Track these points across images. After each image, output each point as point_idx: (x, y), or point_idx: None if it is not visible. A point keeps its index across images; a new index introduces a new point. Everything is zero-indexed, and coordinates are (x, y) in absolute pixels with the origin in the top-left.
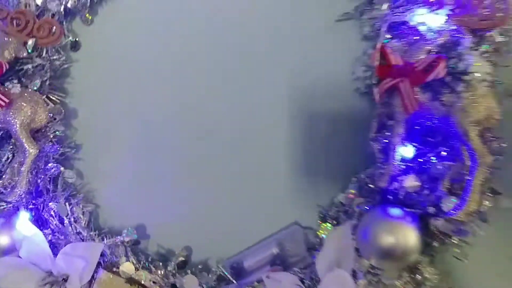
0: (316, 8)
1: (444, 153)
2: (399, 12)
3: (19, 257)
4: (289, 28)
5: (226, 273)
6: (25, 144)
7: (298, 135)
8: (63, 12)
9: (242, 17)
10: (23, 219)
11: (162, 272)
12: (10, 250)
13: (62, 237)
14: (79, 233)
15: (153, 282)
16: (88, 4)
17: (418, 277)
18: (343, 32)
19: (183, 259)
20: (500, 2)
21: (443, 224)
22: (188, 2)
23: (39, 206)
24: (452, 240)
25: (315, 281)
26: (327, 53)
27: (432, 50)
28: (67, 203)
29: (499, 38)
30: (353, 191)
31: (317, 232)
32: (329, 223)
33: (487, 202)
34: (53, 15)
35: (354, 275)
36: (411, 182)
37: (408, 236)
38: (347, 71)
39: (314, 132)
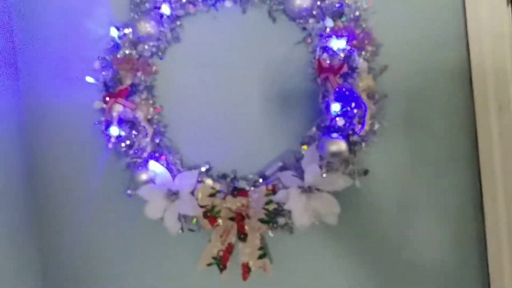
0: (283, 38)
1: (353, 105)
2: (324, 40)
3: (154, 183)
4: (267, 50)
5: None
6: (146, 126)
7: (284, 103)
8: (149, 54)
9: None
10: (153, 164)
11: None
12: (149, 181)
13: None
14: (178, 169)
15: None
16: (161, 49)
17: (348, 165)
18: (300, 49)
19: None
20: (365, 35)
21: (356, 137)
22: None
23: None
24: (361, 145)
25: (302, 173)
26: (292, 62)
27: (340, 58)
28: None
29: (369, 49)
30: (314, 129)
31: (301, 151)
32: (305, 146)
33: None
34: (140, 57)
35: (320, 167)
36: (340, 121)
37: (342, 145)
38: (304, 69)
39: (293, 102)
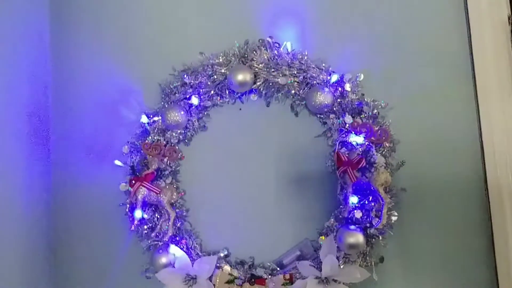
0: (305, 131)
1: (370, 198)
2: (343, 135)
3: (173, 267)
4: (289, 142)
5: (275, 265)
6: (169, 210)
7: (303, 193)
8: (176, 141)
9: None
10: (174, 248)
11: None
12: (168, 265)
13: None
14: (197, 254)
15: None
16: (187, 137)
17: (366, 257)
18: (320, 143)
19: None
20: (383, 132)
21: (373, 230)
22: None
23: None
24: (378, 238)
25: (319, 264)
26: (312, 154)
27: (358, 153)
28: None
29: (387, 145)
30: (332, 220)
31: (319, 241)
32: (323, 236)
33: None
34: (167, 143)
35: (337, 258)
36: (357, 213)
37: (359, 237)
38: (323, 162)
39: (312, 192)
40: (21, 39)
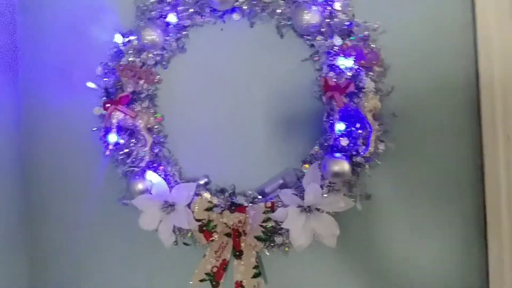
0: (290, 54)
1: (358, 125)
2: (331, 58)
3: (151, 193)
4: (273, 66)
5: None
6: (146, 135)
7: (288, 120)
8: (153, 63)
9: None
10: (150, 174)
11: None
12: (145, 191)
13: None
14: (176, 181)
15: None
16: (165, 59)
17: (351, 186)
18: (306, 66)
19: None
20: (373, 55)
21: (360, 159)
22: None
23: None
24: (365, 167)
25: (302, 192)
26: (298, 78)
27: (346, 77)
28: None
29: (377, 69)
30: (316, 148)
31: (302, 170)
32: (307, 164)
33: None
34: (143, 65)
35: (321, 186)
36: (344, 141)
37: (344, 165)
38: (309, 87)
39: (298, 119)
40: None
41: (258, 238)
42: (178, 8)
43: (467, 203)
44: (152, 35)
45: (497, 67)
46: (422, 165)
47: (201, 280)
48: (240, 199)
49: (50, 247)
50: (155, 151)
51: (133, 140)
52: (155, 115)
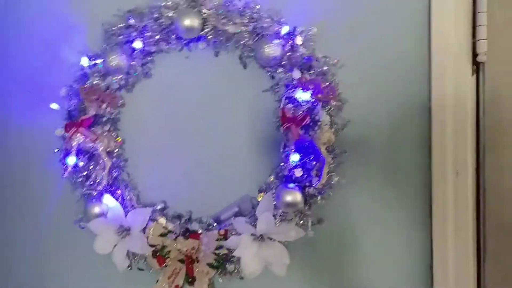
0: (253, 84)
1: (312, 157)
2: (290, 91)
3: (106, 218)
4: (236, 95)
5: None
6: (105, 159)
7: (248, 148)
8: (117, 87)
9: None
10: (107, 198)
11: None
12: (101, 215)
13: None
14: (133, 205)
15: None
16: (130, 83)
17: (303, 216)
18: (267, 97)
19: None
20: (330, 89)
21: (312, 190)
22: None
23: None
24: (317, 198)
25: (256, 220)
26: (259, 108)
27: (304, 110)
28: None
29: (333, 103)
30: (272, 177)
31: (257, 198)
32: (262, 193)
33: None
34: (107, 88)
35: (274, 216)
36: (298, 172)
37: (297, 196)
38: (269, 117)
39: (257, 148)
40: None
41: (210, 265)
42: (145, 34)
43: (415, 236)
44: (116, 59)
45: (449, 104)
46: (373, 198)
47: None
48: (194, 226)
49: (6, 263)
50: (114, 174)
51: (93, 163)
52: (116, 139)
